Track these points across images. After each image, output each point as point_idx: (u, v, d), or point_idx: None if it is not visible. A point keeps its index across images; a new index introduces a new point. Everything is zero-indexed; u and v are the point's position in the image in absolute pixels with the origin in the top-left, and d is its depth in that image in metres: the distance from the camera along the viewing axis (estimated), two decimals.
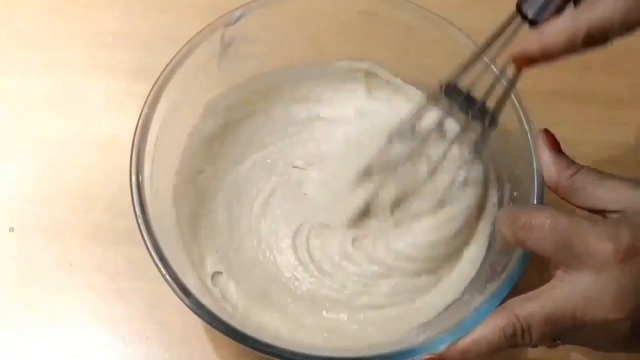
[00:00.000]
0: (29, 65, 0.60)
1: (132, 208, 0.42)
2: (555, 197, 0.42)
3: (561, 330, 0.37)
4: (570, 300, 0.36)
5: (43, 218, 0.53)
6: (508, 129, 0.47)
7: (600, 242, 0.36)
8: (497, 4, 0.63)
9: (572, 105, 0.59)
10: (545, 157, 0.42)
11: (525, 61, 0.38)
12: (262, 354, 0.39)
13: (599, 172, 0.40)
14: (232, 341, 0.39)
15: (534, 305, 0.37)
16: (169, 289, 0.40)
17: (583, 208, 0.40)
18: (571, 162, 0.41)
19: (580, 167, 0.41)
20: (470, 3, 0.63)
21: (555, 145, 0.42)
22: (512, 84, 0.42)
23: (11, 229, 0.53)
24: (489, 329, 0.38)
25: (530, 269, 0.41)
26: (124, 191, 0.53)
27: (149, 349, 0.49)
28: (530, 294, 0.38)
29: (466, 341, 0.38)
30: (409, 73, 0.52)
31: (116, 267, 0.51)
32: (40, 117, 0.58)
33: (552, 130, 0.43)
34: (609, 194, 0.39)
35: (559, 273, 0.38)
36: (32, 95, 0.59)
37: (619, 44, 0.36)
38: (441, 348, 0.38)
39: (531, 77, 0.58)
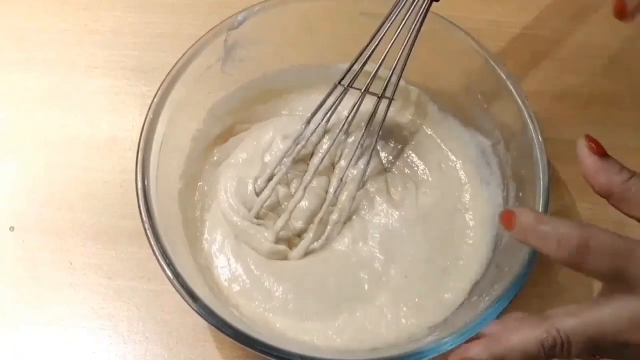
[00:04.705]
0: (29, 65, 0.60)
1: (132, 208, 0.42)
2: (558, 203, 0.41)
3: (602, 348, 0.36)
4: (616, 323, 0.35)
5: (43, 218, 0.53)
6: (513, 130, 0.47)
7: None
8: (499, 5, 0.64)
9: (573, 107, 0.59)
10: (591, 163, 0.38)
11: None
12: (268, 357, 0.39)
13: None
14: (234, 341, 0.39)
15: (578, 322, 0.36)
16: (169, 288, 0.40)
17: (634, 217, 0.38)
18: (622, 167, 0.38)
19: (633, 173, 0.38)
20: (473, 5, 0.63)
21: (600, 149, 0.39)
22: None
23: (11, 229, 0.52)
24: (528, 338, 0.36)
25: (535, 269, 0.41)
26: (124, 191, 0.54)
27: (149, 349, 0.48)
28: (573, 308, 0.37)
29: (501, 348, 0.37)
30: (412, 75, 0.52)
31: (116, 267, 0.51)
32: (40, 117, 0.58)
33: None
34: None
35: (605, 291, 0.37)
36: (32, 95, 0.59)
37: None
38: (449, 350, 0.38)
39: (532, 78, 0.59)
